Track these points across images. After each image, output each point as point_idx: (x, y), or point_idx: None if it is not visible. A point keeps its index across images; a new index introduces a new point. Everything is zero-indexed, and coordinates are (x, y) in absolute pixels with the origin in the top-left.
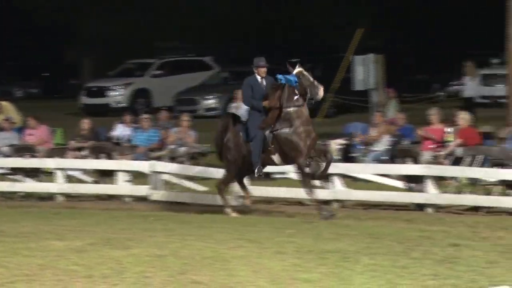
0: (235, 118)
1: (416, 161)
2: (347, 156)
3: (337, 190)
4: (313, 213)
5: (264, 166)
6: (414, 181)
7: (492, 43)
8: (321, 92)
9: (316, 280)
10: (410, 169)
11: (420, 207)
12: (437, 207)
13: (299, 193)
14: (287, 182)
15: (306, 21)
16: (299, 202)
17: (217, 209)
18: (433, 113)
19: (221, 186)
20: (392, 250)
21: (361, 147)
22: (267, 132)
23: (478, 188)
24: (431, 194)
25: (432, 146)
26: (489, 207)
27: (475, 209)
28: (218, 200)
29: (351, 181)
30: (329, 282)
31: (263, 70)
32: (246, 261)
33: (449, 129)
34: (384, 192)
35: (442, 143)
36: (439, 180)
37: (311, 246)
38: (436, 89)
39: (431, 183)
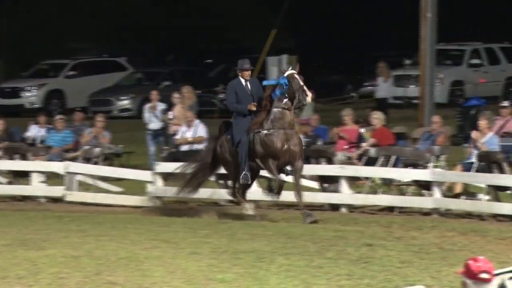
0: (226, 125)
1: (330, 161)
2: None
3: (252, 191)
4: (229, 213)
5: (253, 172)
6: (329, 182)
7: (405, 44)
8: (309, 98)
9: (231, 280)
10: (325, 169)
11: (335, 207)
12: (351, 207)
13: (214, 193)
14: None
15: (221, 22)
16: (214, 203)
17: (132, 210)
18: (347, 114)
19: (233, 193)
20: (307, 250)
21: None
22: (251, 135)
23: (392, 188)
24: (345, 194)
25: (346, 146)
26: (402, 207)
27: (389, 209)
28: (132, 200)
29: (266, 182)
30: (244, 282)
31: (248, 73)
32: (161, 262)
33: (362, 130)
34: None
35: (355, 144)
36: (353, 181)
37: (226, 247)
38: (350, 90)
39: (345, 183)
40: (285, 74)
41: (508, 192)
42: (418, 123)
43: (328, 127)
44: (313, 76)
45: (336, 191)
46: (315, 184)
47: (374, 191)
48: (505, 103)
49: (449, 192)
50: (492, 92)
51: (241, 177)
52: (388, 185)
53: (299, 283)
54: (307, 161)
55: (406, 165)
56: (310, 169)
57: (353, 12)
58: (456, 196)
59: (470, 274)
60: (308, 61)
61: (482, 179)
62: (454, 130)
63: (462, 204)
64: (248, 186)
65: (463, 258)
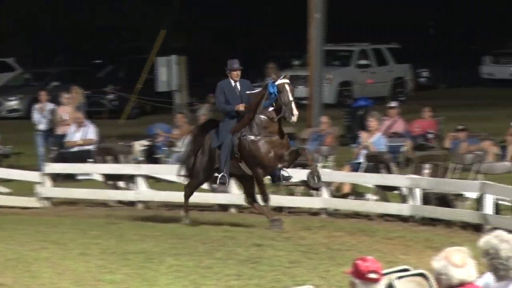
0: (213, 123)
1: None
2: (151, 157)
3: (141, 191)
4: (118, 214)
5: (233, 174)
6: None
7: (294, 45)
8: (294, 118)
9: (120, 281)
10: None
11: (224, 207)
12: (241, 208)
13: (103, 194)
14: (91, 184)
15: (110, 22)
16: (103, 204)
17: (20, 211)
18: None
19: (186, 190)
20: (196, 250)
21: (164, 148)
22: (235, 138)
23: (281, 188)
24: (234, 194)
25: None
26: (291, 207)
27: (278, 209)
28: (20, 201)
29: (155, 182)
30: (133, 283)
31: (236, 73)
32: (50, 263)
33: None
34: None
35: None
36: None
37: (115, 247)
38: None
39: (235, 184)
40: (276, 83)
41: (396, 192)
42: (307, 123)
43: None
44: (203, 77)
45: (226, 191)
46: (205, 185)
47: None
48: (393, 104)
49: (337, 192)
50: (380, 93)
51: (219, 177)
52: (277, 185)
53: (188, 283)
54: None
55: (294, 166)
56: None
57: (244, 12)
58: (344, 196)
59: (358, 274)
60: (198, 62)
61: (370, 179)
62: (342, 130)
63: (350, 204)
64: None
65: (351, 257)
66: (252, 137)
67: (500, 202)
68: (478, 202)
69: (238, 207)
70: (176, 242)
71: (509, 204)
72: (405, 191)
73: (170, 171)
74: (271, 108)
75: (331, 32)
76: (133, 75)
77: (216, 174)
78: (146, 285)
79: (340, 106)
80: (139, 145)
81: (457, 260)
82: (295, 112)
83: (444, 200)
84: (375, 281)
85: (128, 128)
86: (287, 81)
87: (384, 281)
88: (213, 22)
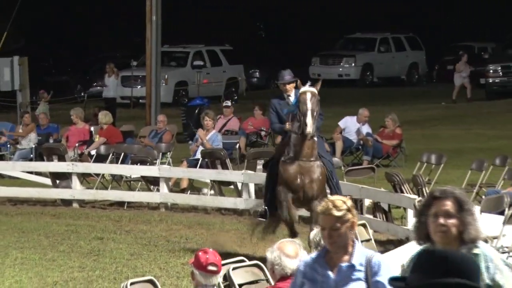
0: None
1: (62, 158)
2: None
3: None
4: None
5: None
6: (61, 178)
7: (133, 46)
8: (307, 128)
9: None
10: (57, 166)
11: (67, 202)
12: (83, 203)
13: None
14: None
15: None
16: None
17: None
18: (75, 113)
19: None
20: (41, 244)
21: (9, 145)
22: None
23: (121, 184)
24: (76, 190)
25: (77, 144)
26: (131, 202)
27: (119, 204)
28: None
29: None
30: None
31: (289, 86)
32: None
33: (92, 128)
34: (32, 188)
35: (86, 142)
36: (85, 177)
37: None
38: (79, 90)
39: (77, 179)
40: (300, 90)
41: (231, 187)
42: (145, 121)
43: (60, 126)
44: (43, 76)
45: (68, 186)
46: (48, 181)
47: (104, 187)
48: (227, 103)
49: (176, 187)
50: (215, 92)
51: (259, 210)
52: (117, 181)
53: (33, 275)
54: (41, 158)
55: (134, 162)
56: (43, 166)
57: (83, 13)
58: (182, 191)
59: (199, 265)
60: (38, 61)
61: (207, 175)
62: (180, 128)
63: (188, 199)
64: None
65: (190, 249)
66: (283, 158)
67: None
68: None
69: (81, 202)
70: (21, 236)
71: None
72: (240, 186)
73: (13, 168)
74: (296, 123)
75: (168, 34)
76: None
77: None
78: None
79: (177, 104)
80: None
81: (290, 251)
82: (309, 121)
83: None
84: (215, 273)
85: None
86: (310, 89)
87: (222, 272)
88: (53, 23)
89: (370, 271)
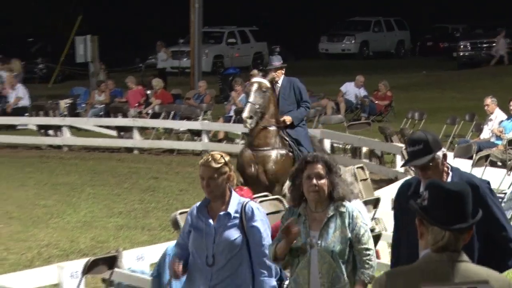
0: None
1: (125, 115)
2: (73, 111)
3: (65, 137)
4: (48, 155)
5: None
6: (125, 130)
7: (181, 28)
8: (244, 123)
9: (51, 206)
10: (122, 121)
11: (129, 150)
12: (142, 150)
13: (37, 140)
14: (27, 132)
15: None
16: (37, 147)
17: None
18: (129, 80)
19: None
20: (109, 182)
21: (83, 105)
22: None
23: (172, 135)
24: (137, 140)
25: (136, 104)
26: (179, 150)
27: (170, 151)
28: None
29: (77, 131)
30: (61, 207)
31: (279, 72)
32: None
33: (148, 92)
34: (101, 139)
35: (144, 102)
36: (143, 130)
37: (47, 180)
38: (138, 62)
39: (137, 132)
40: (251, 80)
41: None
42: (190, 86)
43: (122, 90)
44: (108, 51)
45: (130, 137)
46: (114, 133)
47: (158, 138)
48: (255, 72)
49: (214, 138)
50: (244, 63)
51: None
52: (169, 133)
53: (103, 207)
54: (108, 115)
55: (182, 118)
56: (110, 121)
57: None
58: (219, 140)
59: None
60: (105, 39)
61: (238, 128)
62: (217, 92)
63: (223, 147)
64: None
65: None
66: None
67: (335, 144)
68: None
69: (140, 149)
70: (93, 176)
71: (341, 146)
72: None
73: (87, 123)
74: None
75: (207, 16)
76: (58, 50)
77: None
78: (71, 208)
79: (215, 73)
80: (64, 103)
81: None
82: (243, 114)
83: None
84: None
85: (55, 90)
86: (260, 79)
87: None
88: (116, 9)
89: (245, 218)
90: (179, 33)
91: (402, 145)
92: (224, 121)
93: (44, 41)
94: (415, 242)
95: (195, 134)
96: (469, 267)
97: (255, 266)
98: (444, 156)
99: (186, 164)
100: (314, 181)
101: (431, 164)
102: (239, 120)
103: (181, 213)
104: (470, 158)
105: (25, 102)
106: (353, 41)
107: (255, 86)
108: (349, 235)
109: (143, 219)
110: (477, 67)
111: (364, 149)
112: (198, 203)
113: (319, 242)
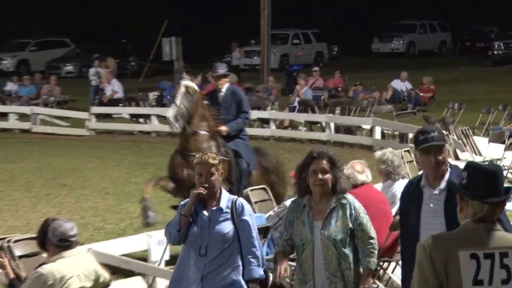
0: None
1: None
2: (160, 102)
3: (154, 124)
4: (139, 140)
5: None
6: None
7: (252, 31)
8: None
9: (141, 183)
10: None
11: None
12: None
13: (130, 126)
14: (122, 120)
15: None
16: (129, 133)
17: (75, 138)
18: (210, 75)
19: None
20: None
21: (169, 97)
22: None
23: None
24: None
25: None
26: (251, 135)
27: None
28: (75, 131)
29: (164, 120)
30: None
31: (222, 80)
32: (96, 171)
33: None
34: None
35: None
36: None
37: (138, 161)
38: (215, 60)
39: None
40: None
41: (318, 125)
42: (260, 81)
43: (203, 84)
44: (189, 51)
45: None
46: None
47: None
48: (316, 68)
49: (281, 125)
50: (307, 61)
51: None
52: None
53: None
54: None
55: (253, 108)
56: None
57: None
58: (285, 127)
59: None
60: (186, 41)
61: (301, 117)
62: (283, 85)
63: (289, 133)
64: None
65: (291, 168)
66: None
67: (385, 131)
68: (371, 132)
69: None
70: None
71: (391, 132)
72: (324, 124)
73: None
74: None
75: (274, 20)
76: (147, 50)
77: None
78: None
79: (281, 70)
80: (152, 95)
81: (359, 168)
82: (168, 114)
83: (349, 130)
84: None
85: (144, 84)
86: (188, 83)
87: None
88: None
89: (235, 212)
90: (250, 35)
91: (444, 132)
92: (289, 111)
93: (135, 42)
94: (416, 238)
95: (264, 122)
96: (503, 235)
97: (245, 256)
98: (448, 151)
99: None
100: (320, 175)
101: (444, 149)
102: (303, 109)
103: (251, 190)
104: (503, 143)
105: (120, 94)
106: (401, 42)
107: (182, 90)
108: (350, 225)
109: None
110: (509, 64)
111: (410, 135)
112: (184, 200)
113: (322, 231)
